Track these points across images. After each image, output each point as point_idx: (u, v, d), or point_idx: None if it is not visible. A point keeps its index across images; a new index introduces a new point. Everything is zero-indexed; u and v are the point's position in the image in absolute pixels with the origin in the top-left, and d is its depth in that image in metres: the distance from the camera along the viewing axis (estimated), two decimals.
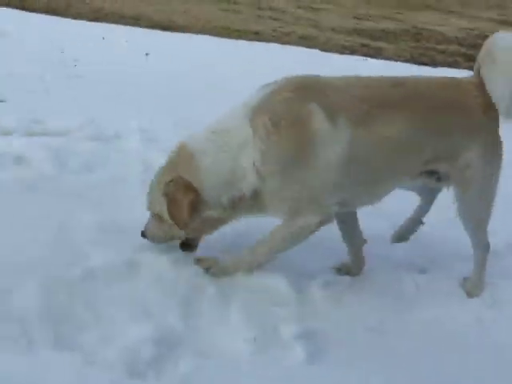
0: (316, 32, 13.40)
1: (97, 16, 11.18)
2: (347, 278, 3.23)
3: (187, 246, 3.12)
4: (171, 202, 2.83)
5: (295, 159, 2.83)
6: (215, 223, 3.10)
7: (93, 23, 10.36)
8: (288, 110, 2.83)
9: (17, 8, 11.44)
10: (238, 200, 2.91)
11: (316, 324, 2.82)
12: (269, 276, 3.02)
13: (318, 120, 2.81)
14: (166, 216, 2.88)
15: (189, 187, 2.84)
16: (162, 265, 2.91)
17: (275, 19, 14.36)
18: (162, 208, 2.88)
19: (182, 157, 2.91)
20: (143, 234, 3.05)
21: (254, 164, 2.81)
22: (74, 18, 10.89)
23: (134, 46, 8.40)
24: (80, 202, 3.37)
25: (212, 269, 2.99)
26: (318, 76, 3.04)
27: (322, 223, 2.96)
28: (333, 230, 3.21)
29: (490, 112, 3.10)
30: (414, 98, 3.05)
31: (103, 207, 3.35)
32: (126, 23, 10.92)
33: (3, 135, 4.23)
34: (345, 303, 3.03)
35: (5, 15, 10.08)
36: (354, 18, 16.04)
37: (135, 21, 11.49)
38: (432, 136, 3.06)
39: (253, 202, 2.93)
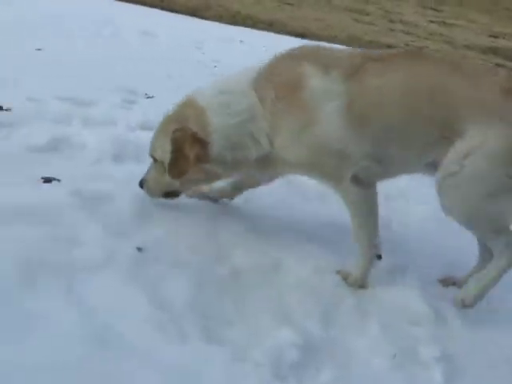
0: (449, 48, 13.08)
1: (234, 19, 11.49)
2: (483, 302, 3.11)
3: (171, 194, 3.13)
4: (177, 150, 2.83)
5: (301, 121, 2.79)
6: (211, 177, 3.08)
7: (230, 26, 10.62)
8: (285, 75, 2.83)
9: (157, 7, 11.97)
10: (242, 160, 2.92)
11: (453, 347, 2.74)
12: (405, 294, 2.98)
13: (312, 77, 2.78)
14: (168, 164, 2.88)
15: (197, 139, 2.83)
16: (305, 270, 2.92)
17: (407, 33, 14.16)
18: (166, 155, 2.89)
19: (193, 110, 2.91)
20: (141, 184, 3.07)
21: (264, 132, 2.83)
22: (212, 19, 11.26)
23: (270, 51, 8.51)
24: (225, 207, 3.44)
25: (348, 280, 2.98)
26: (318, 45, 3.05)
27: (356, 180, 2.87)
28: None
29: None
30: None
31: (247, 209, 3.44)
32: (261, 28, 11.16)
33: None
34: (481, 327, 2.93)
35: (147, 15, 10.56)
36: (490, 36, 15.51)
37: (269, 26, 11.71)
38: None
39: (257, 164, 2.94)
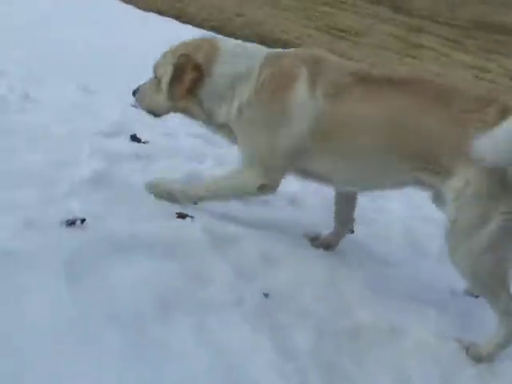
0: None
1: None
2: None
3: (154, 113, 3.34)
4: (177, 71, 3.05)
5: (270, 112, 2.99)
6: (189, 113, 3.24)
7: None
8: (284, 70, 3.01)
9: None
10: (212, 114, 3.15)
11: None
12: None
13: (301, 84, 2.94)
14: (164, 82, 3.12)
15: (198, 67, 3.05)
16: (425, 334, 2.88)
17: None
18: (165, 74, 3.11)
19: (209, 46, 3.13)
20: (134, 92, 3.30)
21: (241, 98, 3.04)
22: None
23: None
24: (345, 257, 3.46)
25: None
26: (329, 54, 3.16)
27: (261, 188, 3.11)
28: None
29: None
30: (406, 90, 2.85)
31: (367, 263, 3.44)
32: None
33: None
34: None
35: None
36: None
37: None
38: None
39: (220, 128, 3.21)
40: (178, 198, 3.23)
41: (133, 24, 10.55)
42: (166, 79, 3.12)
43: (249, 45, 3.31)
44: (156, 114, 3.35)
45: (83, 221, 2.71)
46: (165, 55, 3.21)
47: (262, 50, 3.17)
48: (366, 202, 3.86)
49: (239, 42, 3.30)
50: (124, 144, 4.01)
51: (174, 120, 4.27)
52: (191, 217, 3.13)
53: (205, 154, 4.18)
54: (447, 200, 2.76)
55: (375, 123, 2.86)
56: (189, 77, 3.06)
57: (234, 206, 3.44)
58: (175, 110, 3.28)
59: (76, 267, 2.42)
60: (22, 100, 4.30)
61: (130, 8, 12.46)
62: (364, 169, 3.00)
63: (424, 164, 2.79)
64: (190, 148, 4.21)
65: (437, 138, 2.75)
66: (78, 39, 7.82)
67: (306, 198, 3.95)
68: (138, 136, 4.14)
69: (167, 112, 3.32)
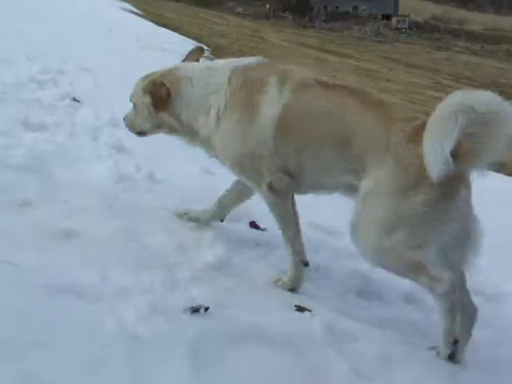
0: None
1: None
2: None
3: (142, 133, 3.78)
4: (152, 93, 3.50)
5: (242, 117, 3.31)
6: (171, 129, 3.66)
7: None
8: (255, 78, 3.35)
9: None
10: (192, 129, 3.52)
11: None
12: None
13: (272, 85, 3.28)
14: (139, 106, 3.61)
15: (164, 85, 3.49)
16: None
17: None
18: (138, 100, 3.61)
19: (171, 76, 3.56)
20: (124, 120, 3.81)
21: (217, 108, 3.37)
22: None
23: None
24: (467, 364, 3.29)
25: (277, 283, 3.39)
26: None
27: (271, 188, 3.34)
28: None
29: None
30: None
31: None
32: None
33: None
34: None
35: None
36: None
37: None
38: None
39: (202, 142, 3.56)
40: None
41: None
42: (140, 104, 3.62)
43: (218, 61, 3.84)
44: (142, 133, 3.79)
45: (207, 309, 2.78)
46: (136, 85, 3.70)
47: (232, 61, 3.57)
48: None
49: (207, 64, 3.78)
50: (244, 230, 4.11)
51: None
52: (310, 310, 3.13)
53: (320, 244, 4.19)
54: (358, 196, 3.12)
55: (327, 116, 3.22)
56: (163, 91, 3.49)
57: (350, 301, 3.41)
58: (157, 126, 3.71)
59: (199, 355, 2.47)
60: (148, 179, 4.49)
61: None
62: (316, 162, 3.28)
63: (355, 165, 3.13)
64: (310, 239, 4.24)
65: (365, 139, 3.12)
66: None
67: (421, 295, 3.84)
68: (257, 223, 4.23)
69: (152, 130, 3.74)
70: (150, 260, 3.19)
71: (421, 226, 2.99)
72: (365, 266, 3.82)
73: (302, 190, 3.47)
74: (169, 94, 3.49)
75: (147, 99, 3.55)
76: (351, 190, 3.20)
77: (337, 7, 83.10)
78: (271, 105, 3.26)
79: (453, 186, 2.95)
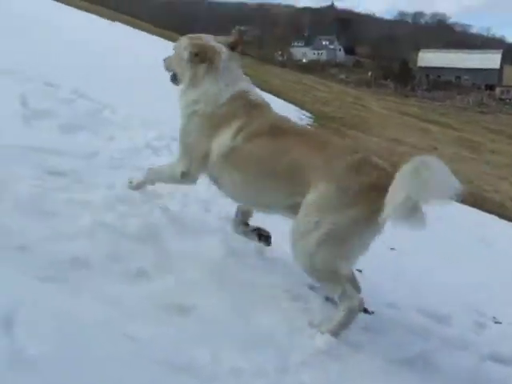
0: None
1: None
2: None
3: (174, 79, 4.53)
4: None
5: (209, 126, 4.09)
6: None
7: None
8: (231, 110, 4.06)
9: None
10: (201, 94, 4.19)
11: None
12: None
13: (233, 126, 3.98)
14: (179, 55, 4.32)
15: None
16: None
17: None
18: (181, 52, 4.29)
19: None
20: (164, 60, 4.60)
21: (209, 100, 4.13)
22: None
23: None
24: None
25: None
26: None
27: (183, 175, 4.24)
28: None
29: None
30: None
31: None
32: None
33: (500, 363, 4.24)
34: None
35: None
36: None
37: None
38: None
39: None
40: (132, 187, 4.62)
41: None
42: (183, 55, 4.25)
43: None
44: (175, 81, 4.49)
45: None
46: (180, 40, 4.40)
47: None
48: None
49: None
50: None
51: (400, 292, 4.27)
52: None
53: (430, 333, 4.07)
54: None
55: (272, 158, 3.81)
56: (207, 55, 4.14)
57: None
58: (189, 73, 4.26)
59: None
60: (257, 255, 4.52)
61: None
62: (258, 191, 3.95)
63: (301, 189, 3.63)
64: (418, 326, 4.14)
65: (310, 169, 3.62)
66: None
67: None
68: (366, 307, 4.17)
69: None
70: (262, 341, 3.21)
71: (348, 241, 3.51)
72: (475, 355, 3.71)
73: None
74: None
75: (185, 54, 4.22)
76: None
77: (439, 76, 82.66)
78: (225, 141, 3.99)
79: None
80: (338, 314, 3.54)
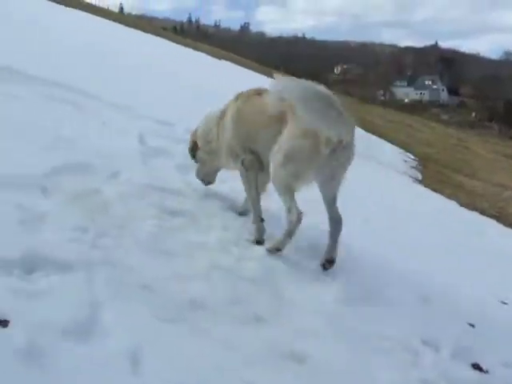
0: None
1: None
2: None
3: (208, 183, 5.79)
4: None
5: (224, 128, 5.23)
6: (210, 165, 5.70)
7: None
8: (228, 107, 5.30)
9: None
10: (211, 151, 5.51)
11: None
12: None
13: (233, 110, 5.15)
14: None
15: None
16: None
17: None
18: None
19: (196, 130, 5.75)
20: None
21: (216, 133, 5.36)
22: None
23: None
24: None
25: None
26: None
27: (244, 165, 5.05)
28: None
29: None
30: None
31: None
32: None
33: None
34: None
35: None
36: None
37: None
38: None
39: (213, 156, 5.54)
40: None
41: None
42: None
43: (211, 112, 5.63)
44: (207, 183, 5.85)
45: None
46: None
47: (216, 112, 5.47)
48: None
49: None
50: (464, 372, 3.88)
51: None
52: None
53: None
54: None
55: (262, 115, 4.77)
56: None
57: None
58: (207, 171, 5.76)
59: None
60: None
61: None
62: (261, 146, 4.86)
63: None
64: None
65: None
66: None
67: None
68: (479, 364, 3.99)
69: (208, 178, 5.83)
70: None
71: (302, 163, 4.38)
72: None
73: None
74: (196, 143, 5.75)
75: None
76: None
77: None
78: (232, 116, 5.08)
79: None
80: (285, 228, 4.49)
